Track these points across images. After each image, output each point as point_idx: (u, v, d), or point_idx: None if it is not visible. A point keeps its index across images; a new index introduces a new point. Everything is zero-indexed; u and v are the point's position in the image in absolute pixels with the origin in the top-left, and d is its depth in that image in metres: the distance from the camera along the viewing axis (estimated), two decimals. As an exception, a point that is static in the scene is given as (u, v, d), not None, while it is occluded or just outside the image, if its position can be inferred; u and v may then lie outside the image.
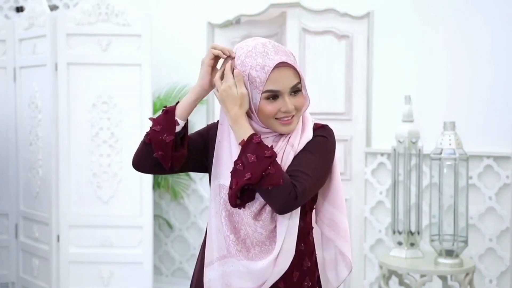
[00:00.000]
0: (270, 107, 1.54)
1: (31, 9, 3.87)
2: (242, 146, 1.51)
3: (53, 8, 3.95)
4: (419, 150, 3.26)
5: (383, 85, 3.79)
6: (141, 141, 1.61)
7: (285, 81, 1.53)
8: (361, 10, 3.79)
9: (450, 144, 3.11)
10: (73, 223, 3.77)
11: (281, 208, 1.50)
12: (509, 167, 3.51)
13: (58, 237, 3.77)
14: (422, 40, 3.69)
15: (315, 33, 3.91)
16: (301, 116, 1.61)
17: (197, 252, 4.36)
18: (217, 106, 4.21)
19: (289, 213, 1.54)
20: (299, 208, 1.56)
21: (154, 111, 4.07)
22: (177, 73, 4.32)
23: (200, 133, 1.69)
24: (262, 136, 1.55)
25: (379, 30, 3.77)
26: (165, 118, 1.57)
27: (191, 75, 4.28)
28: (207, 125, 1.74)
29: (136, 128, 3.74)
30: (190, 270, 4.40)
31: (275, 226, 1.56)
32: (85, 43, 3.73)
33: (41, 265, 3.89)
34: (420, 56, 3.70)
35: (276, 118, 1.55)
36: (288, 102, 1.53)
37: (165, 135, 1.55)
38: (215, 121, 1.71)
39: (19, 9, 4.70)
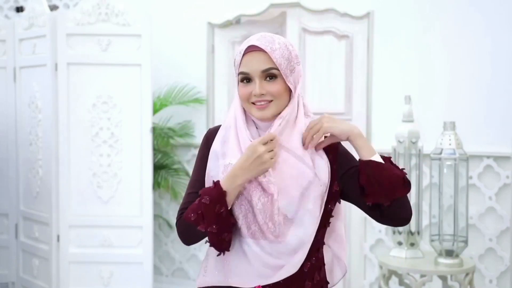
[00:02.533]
0: (242, 90, 1.58)
1: (31, 9, 3.87)
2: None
3: (53, 8, 3.95)
4: (419, 150, 3.26)
5: (383, 85, 3.79)
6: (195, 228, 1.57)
7: (255, 64, 1.55)
8: (361, 10, 3.79)
9: (450, 144, 3.11)
10: (73, 223, 3.77)
11: (410, 216, 1.60)
12: (509, 167, 3.51)
13: (58, 237, 3.77)
14: (422, 40, 3.69)
15: (315, 33, 3.91)
16: (291, 113, 1.60)
17: (197, 252, 4.36)
18: (217, 106, 4.21)
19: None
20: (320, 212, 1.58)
21: (154, 111, 4.07)
22: (177, 73, 4.32)
23: (204, 160, 1.66)
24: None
25: (379, 30, 3.77)
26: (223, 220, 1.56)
27: (191, 75, 4.31)
28: (205, 138, 1.70)
29: (136, 128, 3.74)
30: (190, 270, 4.40)
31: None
32: (85, 43, 3.73)
33: (41, 265, 3.89)
34: (420, 56, 3.70)
35: (253, 103, 1.57)
36: (257, 86, 1.55)
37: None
38: (213, 125, 1.71)
39: (19, 9, 4.70)
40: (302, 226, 1.57)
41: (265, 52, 1.54)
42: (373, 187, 1.55)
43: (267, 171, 1.54)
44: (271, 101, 1.56)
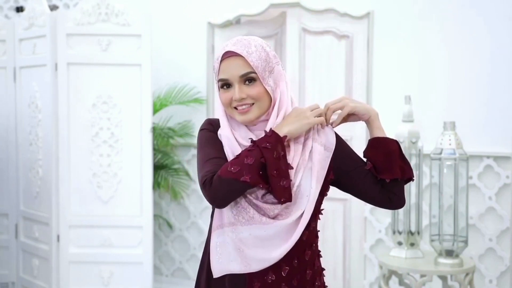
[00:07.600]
0: (223, 96, 1.61)
1: (31, 9, 3.87)
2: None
3: (53, 8, 3.95)
4: (419, 150, 3.26)
5: (383, 85, 3.79)
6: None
7: (232, 70, 1.57)
8: (361, 10, 3.79)
9: (450, 144, 3.11)
10: (73, 223, 3.77)
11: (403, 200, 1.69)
12: (509, 167, 3.51)
13: (58, 237, 3.77)
14: (422, 40, 3.69)
15: (315, 33, 3.91)
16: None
17: (197, 252, 4.36)
18: (217, 106, 4.21)
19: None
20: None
21: (154, 111, 4.07)
22: (177, 73, 4.32)
23: (215, 137, 1.67)
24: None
25: (379, 30, 3.77)
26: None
27: (191, 75, 4.31)
28: (208, 123, 1.70)
29: (136, 128, 3.74)
30: (190, 270, 4.40)
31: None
32: (85, 43, 3.73)
33: (41, 265, 3.89)
34: (420, 56, 3.70)
35: (236, 108, 1.59)
36: (236, 90, 1.57)
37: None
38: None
39: (19, 9, 4.70)
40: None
41: (242, 56, 1.56)
42: (391, 163, 1.62)
43: (311, 126, 1.60)
44: (253, 104, 1.58)
